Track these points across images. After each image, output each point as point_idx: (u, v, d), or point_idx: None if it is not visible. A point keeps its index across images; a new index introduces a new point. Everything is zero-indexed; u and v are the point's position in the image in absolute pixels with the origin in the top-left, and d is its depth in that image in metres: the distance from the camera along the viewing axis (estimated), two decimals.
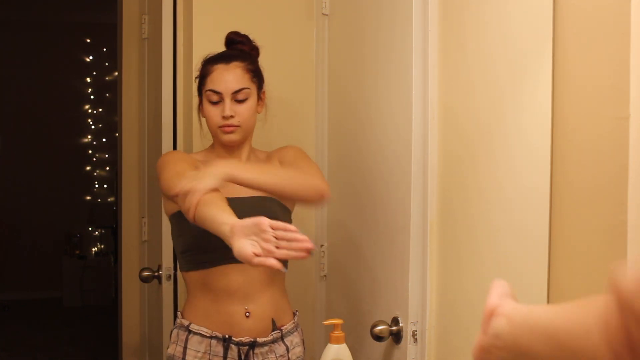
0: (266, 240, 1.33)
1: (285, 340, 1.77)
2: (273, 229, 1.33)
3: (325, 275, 2.28)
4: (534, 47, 1.38)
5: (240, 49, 1.82)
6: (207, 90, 1.76)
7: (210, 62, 1.78)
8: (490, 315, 0.76)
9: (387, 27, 1.85)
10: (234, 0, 2.28)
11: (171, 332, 1.80)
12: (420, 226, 1.71)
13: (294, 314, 1.84)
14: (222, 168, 1.59)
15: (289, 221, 1.78)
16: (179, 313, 1.80)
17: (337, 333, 1.46)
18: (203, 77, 1.78)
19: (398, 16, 1.79)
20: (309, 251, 1.32)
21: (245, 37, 1.85)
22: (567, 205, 1.32)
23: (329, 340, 1.47)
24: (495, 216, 1.50)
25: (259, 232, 1.34)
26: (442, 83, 1.69)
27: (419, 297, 1.71)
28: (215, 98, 1.74)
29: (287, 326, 1.78)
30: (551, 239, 1.34)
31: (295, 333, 1.81)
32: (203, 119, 1.83)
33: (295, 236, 1.32)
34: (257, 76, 1.80)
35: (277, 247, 1.33)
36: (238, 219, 1.40)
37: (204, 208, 1.50)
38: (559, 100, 1.33)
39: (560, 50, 1.33)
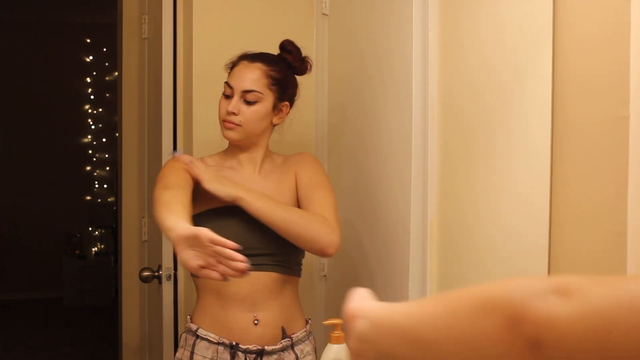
0: (208, 254, 1.33)
1: (296, 348, 1.73)
2: (213, 243, 1.32)
3: (325, 275, 2.28)
4: (534, 47, 1.38)
5: (284, 57, 1.79)
6: (225, 82, 1.74)
7: (241, 57, 1.76)
8: (352, 318, 0.73)
9: (387, 27, 1.85)
10: (234, 0, 2.28)
11: (180, 336, 1.81)
12: (420, 226, 1.71)
13: (307, 322, 1.81)
14: (235, 188, 1.63)
15: None
16: (188, 317, 1.79)
17: (337, 333, 1.46)
18: (230, 69, 1.77)
19: (398, 16, 1.79)
20: (243, 272, 1.32)
21: (297, 49, 1.81)
22: (567, 205, 1.32)
23: (329, 340, 1.48)
24: (495, 215, 1.50)
25: (200, 245, 1.33)
26: (442, 83, 1.69)
27: (419, 297, 1.71)
28: (228, 91, 1.72)
29: (298, 334, 1.74)
30: (551, 237, 1.34)
31: (306, 342, 1.77)
32: None
33: (231, 254, 1.32)
34: (278, 85, 1.73)
35: (219, 262, 1.33)
36: (184, 227, 1.37)
37: (158, 206, 1.49)
38: (558, 99, 1.33)
39: (560, 50, 1.33)
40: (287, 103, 1.77)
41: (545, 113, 1.34)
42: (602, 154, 1.24)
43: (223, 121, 1.72)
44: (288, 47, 1.82)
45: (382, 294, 1.88)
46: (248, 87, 1.70)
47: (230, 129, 1.71)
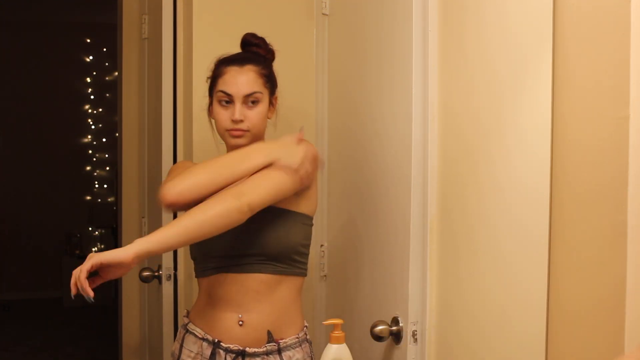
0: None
1: (283, 354, 1.70)
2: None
3: (325, 275, 2.28)
4: (534, 47, 1.38)
5: (255, 51, 1.79)
6: (218, 91, 1.72)
7: (223, 63, 1.74)
8: None
9: (387, 27, 1.85)
10: (234, 0, 2.28)
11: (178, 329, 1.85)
12: (420, 226, 1.71)
13: (303, 329, 1.76)
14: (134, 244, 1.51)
15: (309, 231, 1.78)
16: (185, 311, 1.84)
17: (337, 333, 1.46)
18: (215, 77, 1.75)
19: (398, 16, 1.79)
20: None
21: (262, 39, 1.81)
22: (567, 205, 1.32)
23: (329, 340, 1.48)
24: (495, 216, 1.50)
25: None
26: (442, 83, 1.69)
27: (419, 297, 1.71)
28: (226, 100, 1.71)
29: (287, 340, 1.71)
30: (551, 239, 1.34)
31: (297, 349, 1.72)
32: (213, 121, 1.79)
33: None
34: (270, 81, 1.75)
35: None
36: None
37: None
38: (559, 100, 1.33)
39: (560, 50, 1.32)
40: (276, 95, 1.79)
41: (545, 113, 1.34)
42: (602, 154, 1.24)
43: (228, 130, 1.71)
44: (254, 40, 1.81)
45: (382, 294, 1.88)
46: (249, 90, 1.70)
47: (239, 136, 1.71)
